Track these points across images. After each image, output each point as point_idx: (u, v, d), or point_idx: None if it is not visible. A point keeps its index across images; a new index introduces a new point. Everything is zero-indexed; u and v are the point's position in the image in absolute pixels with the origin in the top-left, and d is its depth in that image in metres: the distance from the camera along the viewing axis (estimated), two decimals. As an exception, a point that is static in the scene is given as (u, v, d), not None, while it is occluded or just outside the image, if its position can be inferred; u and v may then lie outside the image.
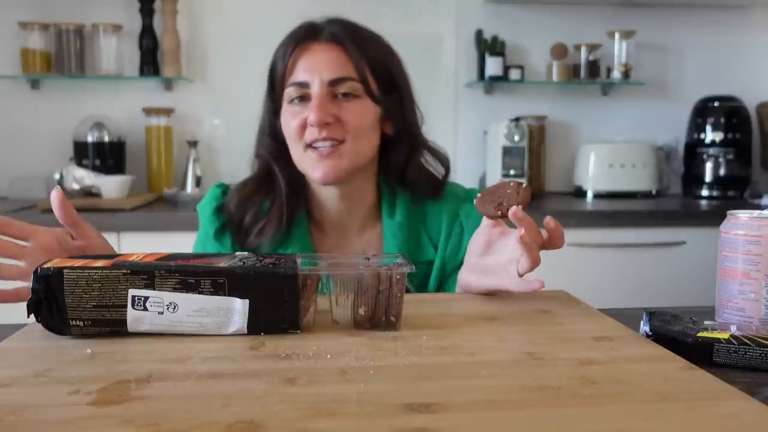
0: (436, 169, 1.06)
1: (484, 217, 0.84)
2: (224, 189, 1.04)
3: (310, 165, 0.95)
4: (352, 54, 0.94)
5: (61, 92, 2.46)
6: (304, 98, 0.94)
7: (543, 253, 0.79)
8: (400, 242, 1.00)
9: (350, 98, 0.94)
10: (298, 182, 1.00)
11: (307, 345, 0.63)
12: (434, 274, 1.02)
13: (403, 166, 1.01)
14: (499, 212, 0.80)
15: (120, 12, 2.44)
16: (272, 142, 1.00)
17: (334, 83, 0.93)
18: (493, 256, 0.82)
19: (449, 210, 1.03)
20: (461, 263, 0.95)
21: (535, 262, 0.74)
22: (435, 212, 1.03)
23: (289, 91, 0.95)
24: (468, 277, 0.84)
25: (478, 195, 0.83)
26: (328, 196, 1.00)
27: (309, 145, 0.94)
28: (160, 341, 0.64)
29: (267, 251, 0.98)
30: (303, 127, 0.94)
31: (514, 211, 0.75)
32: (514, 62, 2.57)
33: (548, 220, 0.76)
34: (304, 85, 0.94)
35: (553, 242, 0.77)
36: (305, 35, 0.96)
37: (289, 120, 0.95)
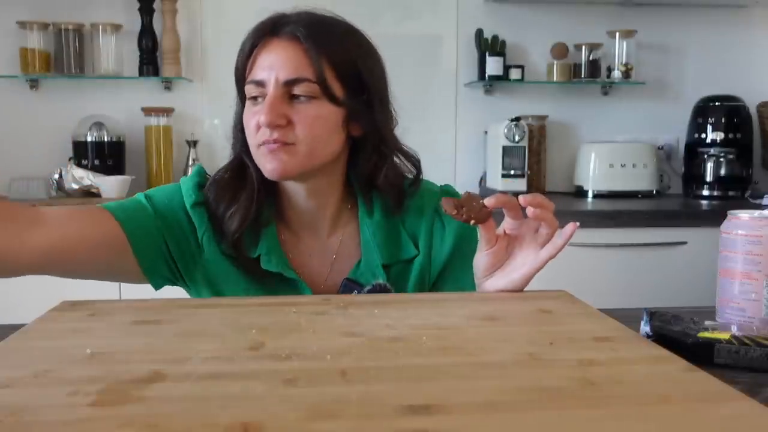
0: (408, 169, 1.03)
1: (480, 242, 0.87)
2: (206, 172, 1.02)
3: (263, 160, 0.91)
4: (311, 53, 0.90)
5: (60, 92, 2.46)
6: (261, 97, 0.91)
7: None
8: (379, 241, 0.98)
9: (306, 100, 0.90)
10: (267, 179, 0.96)
11: (307, 345, 0.62)
12: (415, 272, 1.00)
13: (371, 172, 0.98)
14: (460, 214, 0.82)
15: (119, 12, 2.44)
16: (243, 137, 0.97)
17: (289, 83, 0.89)
18: (507, 262, 0.87)
19: (427, 207, 1.01)
20: (446, 260, 1.00)
21: (554, 226, 0.84)
22: (413, 209, 1.01)
23: (248, 89, 0.92)
24: (496, 284, 0.87)
25: (444, 198, 0.85)
26: (295, 192, 0.98)
27: (259, 144, 0.91)
28: (160, 341, 0.64)
29: (236, 248, 0.95)
30: (257, 125, 0.91)
31: (524, 197, 0.81)
32: (514, 62, 2.57)
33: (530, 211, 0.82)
34: (260, 84, 0.91)
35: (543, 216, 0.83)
36: (266, 30, 0.93)
37: (248, 118, 0.93)
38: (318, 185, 0.96)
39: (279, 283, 0.95)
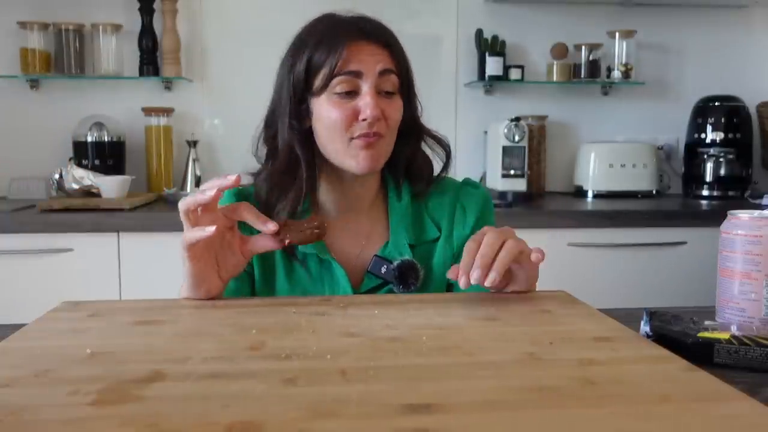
0: (439, 155, 1.12)
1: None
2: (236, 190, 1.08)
3: (354, 155, 0.98)
4: (394, 52, 1.00)
5: (60, 92, 2.46)
6: (350, 92, 0.97)
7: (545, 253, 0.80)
8: (407, 224, 1.05)
9: (391, 95, 0.99)
10: (315, 168, 1.03)
11: (307, 345, 0.62)
12: (439, 252, 1.07)
13: (408, 160, 1.07)
14: (282, 239, 0.83)
15: (120, 12, 2.44)
16: (297, 126, 1.01)
17: (383, 74, 0.98)
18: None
19: (449, 195, 1.10)
20: (467, 238, 1.04)
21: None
22: (435, 196, 1.09)
23: (337, 82, 0.97)
24: None
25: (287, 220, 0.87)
26: (344, 183, 1.04)
27: (354, 138, 0.97)
28: (160, 341, 0.64)
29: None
30: (351, 118, 0.96)
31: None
32: (514, 62, 2.57)
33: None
34: (356, 75, 0.96)
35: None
36: (354, 32, 0.99)
37: (334, 111, 0.97)
38: (369, 176, 1.04)
39: (315, 263, 1.02)
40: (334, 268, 1.01)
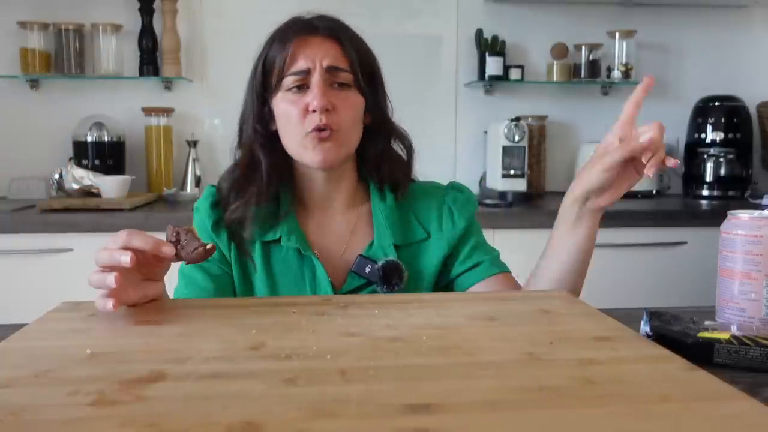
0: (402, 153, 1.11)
1: (601, 164, 0.92)
2: (218, 187, 1.09)
3: (311, 149, 0.98)
4: (346, 48, 1.00)
5: (60, 92, 2.46)
6: (302, 87, 0.99)
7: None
8: (392, 225, 1.05)
9: (344, 88, 1.00)
10: (281, 167, 1.04)
11: (307, 345, 0.62)
12: (429, 252, 1.07)
13: (379, 158, 1.07)
14: (175, 247, 0.80)
15: (120, 12, 2.44)
16: (261, 129, 1.04)
17: (331, 70, 0.99)
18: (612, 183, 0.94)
19: (436, 198, 1.10)
20: (460, 237, 1.07)
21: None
22: (422, 199, 1.10)
23: (288, 80, 0.99)
24: (600, 202, 0.95)
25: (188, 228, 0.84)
26: (315, 179, 1.05)
27: (308, 132, 0.98)
28: (160, 341, 0.64)
29: (257, 233, 1.02)
30: (304, 113, 0.98)
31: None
32: (514, 62, 2.57)
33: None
34: (305, 72, 0.98)
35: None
36: (303, 29, 1.01)
37: (288, 107, 0.99)
38: (337, 173, 1.05)
39: (296, 258, 1.02)
40: (315, 267, 1.01)
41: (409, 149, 1.11)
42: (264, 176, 1.02)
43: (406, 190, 1.08)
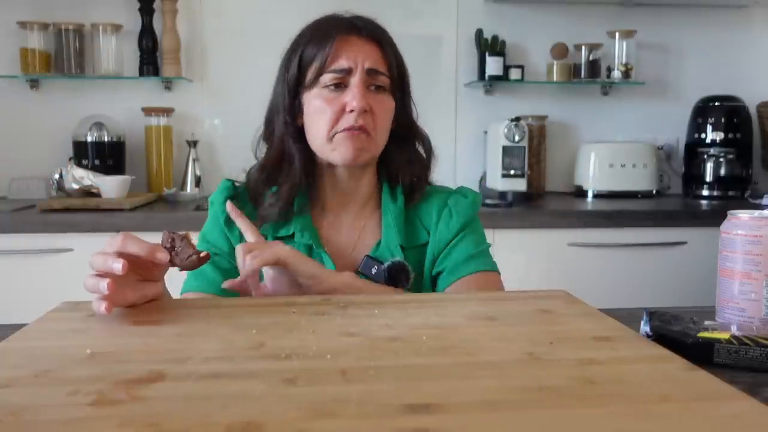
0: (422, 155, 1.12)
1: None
2: (233, 182, 1.09)
3: (338, 146, 0.99)
4: (387, 52, 1.02)
5: (60, 92, 2.46)
6: (339, 85, 1.00)
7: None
8: (399, 226, 1.05)
9: (380, 91, 1.01)
10: (310, 163, 1.05)
11: (307, 345, 0.62)
12: (429, 255, 1.07)
13: (402, 163, 1.08)
14: (169, 253, 0.79)
15: (120, 12, 2.44)
16: (291, 122, 1.04)
17: (371, 73, 1.00)
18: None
19: (439, 199, 1.10)
20: (449, 241, 1.06)
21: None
22: (427, 202, 1.10)
23: (327, 77, 0.99)
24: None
25: (184, 232, 0.84)
26: (336, 176, 1.05)
27: (339, 131, 0.99)
28: (160, 341, 0.64)
29: (271, 228, 1.04)
30: (338, 113, 0.99)
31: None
32: (514, 62, 2.57)
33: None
34: (346, 72, 0.99)
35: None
36: (345, 28, 1.01)
37: (323, 104, 1.00)
38: (358, 170, 1.05)
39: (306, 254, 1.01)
40: (325, 264, 1.01)
41: (429, 153, 1.12)
42: (298, 170, 1.03)
43: (421, 195, 1.09)
